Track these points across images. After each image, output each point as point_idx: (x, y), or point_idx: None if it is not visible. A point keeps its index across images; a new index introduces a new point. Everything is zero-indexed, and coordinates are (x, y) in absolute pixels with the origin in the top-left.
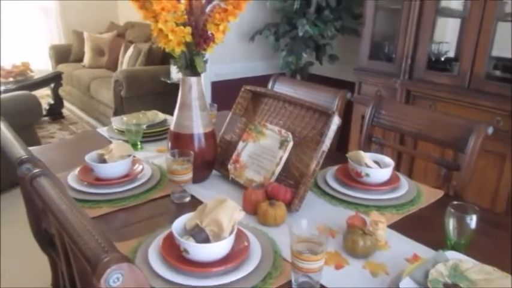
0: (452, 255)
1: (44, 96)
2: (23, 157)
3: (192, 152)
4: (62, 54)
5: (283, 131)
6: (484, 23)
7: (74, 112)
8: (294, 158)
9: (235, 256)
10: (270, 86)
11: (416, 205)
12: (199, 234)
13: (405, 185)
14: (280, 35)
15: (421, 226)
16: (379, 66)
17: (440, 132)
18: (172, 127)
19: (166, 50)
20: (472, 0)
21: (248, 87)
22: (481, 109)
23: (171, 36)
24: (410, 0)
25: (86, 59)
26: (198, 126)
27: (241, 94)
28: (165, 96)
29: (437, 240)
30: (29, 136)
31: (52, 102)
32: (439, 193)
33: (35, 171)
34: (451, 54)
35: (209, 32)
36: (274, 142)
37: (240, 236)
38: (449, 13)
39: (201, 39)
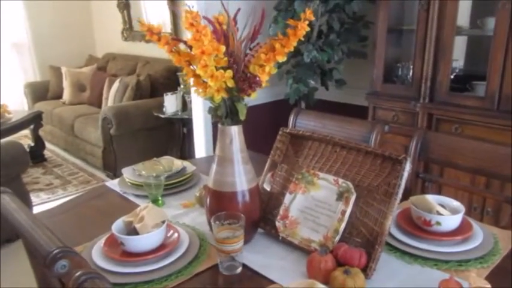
0: None
1: (23, 137)
2: (55, 251)
3: (243, 215)
4: (38, 92)
5: (340, 180)
6: (511, 42)
7: (57, 153)
8: (358, 211)
9: None
10: (291, 121)
11: (498, 254)
12: None
13: (479, 231)
14: (283, 62)
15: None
16: (395, 90)
17: (508, 167)
18: (211, 184)
19: (203, 98)
20: (488, 17)
21: (287, 130)
22: None
23: (210, 83)
24: (427, 19)
25: (66, 96)
26: (242, 183)
27: (279, 138)
28: (158, 132)
29: None
30: (16, 188)
31: (32, 144)
32: None
33: (78, 274)
34: (460, 72)
35: (248, 74)
36: (329, 193)
37: None
38: (458, 31)
39: (245, 83)
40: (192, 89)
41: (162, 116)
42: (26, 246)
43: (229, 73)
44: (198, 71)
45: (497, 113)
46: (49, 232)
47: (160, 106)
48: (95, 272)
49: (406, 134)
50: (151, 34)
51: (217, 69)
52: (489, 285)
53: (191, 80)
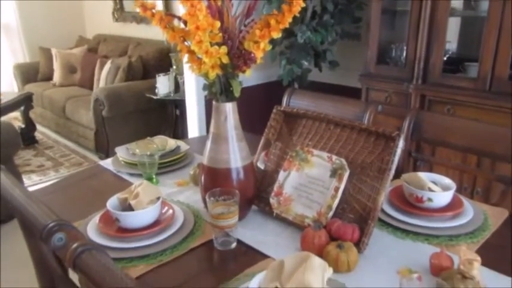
0: None
1: (13, 119)
2: (51, 224)
3: (237, 191)
4: (28, 74)
5: (334, 157)
6: (505, 23)
7: (48, 135)
8: (351, 188)
9: None
10: (285, 101)
11: (488, 230)
12: None
13: (469, 207)
14: (276, 43)
15: (501, 255)
16: (388, 71)
17: (501, 146)
18: (205, 161)
19: (197, 74)
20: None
21: (281, 108)
22: (506, 112)
23: (205, 59)
24: (421, 0)
25: (56, 77)
26: (236, 160)
27: (273, 116)
28: (150, 113)
29: None
30: (8, 169)
31: (23, 126)
32: (504, 212)
33: (74, 246)
34: (453, 54)
35: (243, 51)
36: (323, 171)
37: None
38: (451, 12)
39: (239, 60)
40: (186, 66)
41: (155, 97)
42: (22, 223)
43: (224, 49)
44: (192, 47)
45: (489, 94)
46: (44, 207)
47: (153, 88)
48: (91, 244)
49: (398, 115)
50: (144, 10)
51: (211, 45)
52: (479, 258)
53: (185, 57)
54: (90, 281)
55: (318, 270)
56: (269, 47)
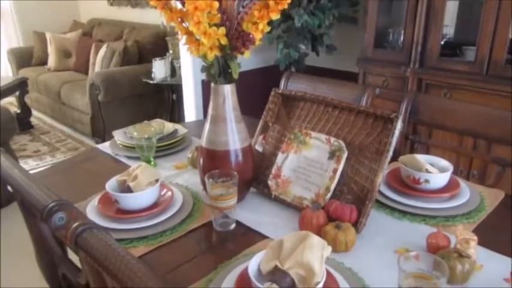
0: None
1: (8, 104)
2: (51, 204)
3: (236, 173)
4: (22, 58)
5: (332, 139)
6: (502, 7)
7: (44, 121)
8: (350, 170)
9: None
10: (282, 85)
11: (484, 211)
12: (284, 280)
13: (466, 189)
14: (274, 26)
15: (497, 235)
16: (385, 56)
17: (498, 128)
18: (204, 143)
19: (195, 56)
20: None
21: (279, 91)
22: (502, 95)
23: (203, 40)
24: None
25: (51, 62)
26: (235, 142)
27: (271, 99)
28: (147, 98)
29: None
30: None
31: (18, 111)
32: (500, 194)
33: (75, 225)
34: (450, 38)
35: (241, 32)
36: (321, 153)
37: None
38: None
39: (238, 41)
40: (183, 50)
41: (151, 81)
42: (22, 205)
43: (222, 30)
44: (191, 28)
45: (486, 78)
46: (44, 187)
47: (149, 72)
48: (92, 223)
49: (395, 100)
50: None
51: (210, 26)
52: (475, 237)
53: (183, 39)
54: (91, 258)
55: (316, 248)
56: (268, 28)
